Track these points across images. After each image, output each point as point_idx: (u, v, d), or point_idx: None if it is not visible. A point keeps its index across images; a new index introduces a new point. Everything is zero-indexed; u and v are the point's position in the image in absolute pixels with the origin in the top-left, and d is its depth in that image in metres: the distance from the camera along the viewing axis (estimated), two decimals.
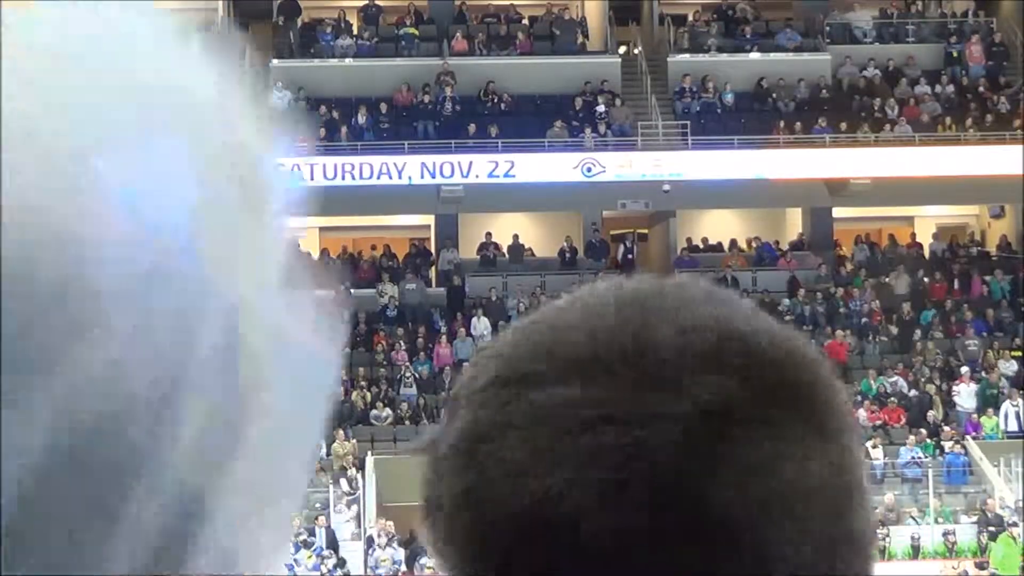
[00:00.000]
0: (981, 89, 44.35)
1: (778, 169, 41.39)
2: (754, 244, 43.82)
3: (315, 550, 32.36)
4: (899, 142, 42.30)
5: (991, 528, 33.40)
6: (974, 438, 36.62)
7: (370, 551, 32.66)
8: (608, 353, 0.89)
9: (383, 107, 42.85)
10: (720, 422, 0.87)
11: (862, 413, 37.07)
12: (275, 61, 44.14)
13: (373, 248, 43.13)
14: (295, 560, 32.10)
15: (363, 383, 37.70)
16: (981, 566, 32.73)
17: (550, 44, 45.05)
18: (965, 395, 37.54)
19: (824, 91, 43.97)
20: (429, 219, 43.95)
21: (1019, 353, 39.01)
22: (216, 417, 0.79)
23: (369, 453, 35.53)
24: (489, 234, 42.81)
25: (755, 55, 44.89)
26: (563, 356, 0.90)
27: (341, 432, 35.74)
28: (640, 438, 0.86)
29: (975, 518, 34.01)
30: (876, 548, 0.94)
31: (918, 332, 40.07)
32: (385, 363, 38.76)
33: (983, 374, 38.39)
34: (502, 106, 43.14)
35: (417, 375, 38.03)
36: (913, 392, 37.84)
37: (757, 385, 0.89)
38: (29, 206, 0.74)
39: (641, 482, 0.86)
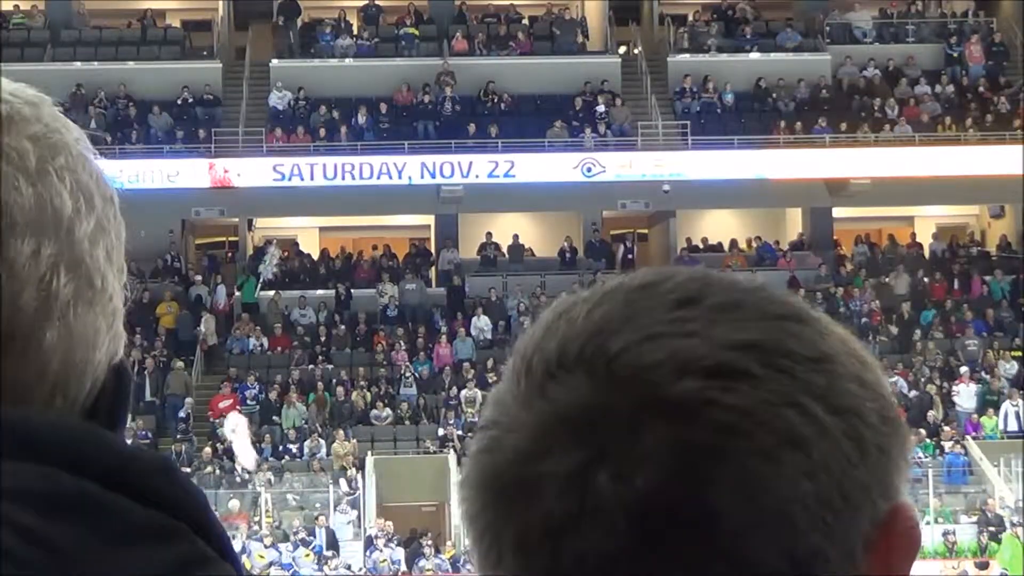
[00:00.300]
0: (981, 89, 44.35)
1: (778, 169, 41.39)
2: (754, 244, 43.81)
3: (314, 549, 32.36)
4: (899, 142, 42.29)
5: (991, 528, 33.39)
6: (974, 438, 36.62)
7: (370, 551, 32.66)
8: (520, 364, 0.97)
9: (383, 107, 42.84)
10: (562, 428, 0.92)
11: None
12: (275, 61, 44.17)
13: (374, 248, 43.12)
14: (293, 559, 32.11)
15: (363, 383, 37.68)
16: (981, 566, 32.72)
17: (550, 44, 45.04)
18: (964, 395, 37.52)
19: (824, 91, 43.97)
20: (429, 219, 43.95)
21: (1019, 353, 38.98)
22: None
23: (369, 453, 35.53)
24: (489, 234, 42.80)
25: (755, 55, 44.89)
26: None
27: (341, 432, 35.74)
28: (496, 438, 0.95)
29: (975, 518, 34.01)
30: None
31: (918, 332, 40.06)
32: (385, 363, 38.74)
33: (983, 374, 38.39)
34: (502, 106, 43.13)
35: (417, 375, 38.02)
36: (913, 392, 37.83)
37: (616, 392, 0.91)
38: None
39: (486, 476, 0.94)
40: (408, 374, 37.76)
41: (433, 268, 42.82)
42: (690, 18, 46.48)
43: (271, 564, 31.82)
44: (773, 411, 0.90)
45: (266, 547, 31.97)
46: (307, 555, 32.24)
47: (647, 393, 0.90)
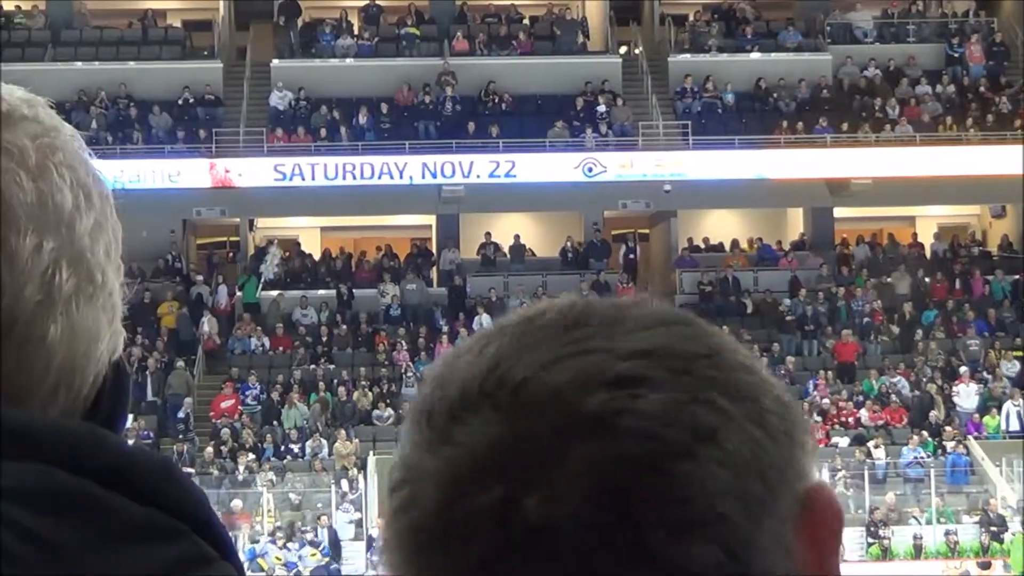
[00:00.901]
0: (982, 89, 44.33)
1: (779, 169, 41.38)
2: (755, 244, 43.80)
3: (323, 551, 32.38)
4: (900, 142, 42.28)
5: (993, 528, 33.40)
6: (976, 438, 36.61)
7: (371, 551, 32.67)
8: (420, 417, 0.97)
9: (384, 107, 42.84)
10: (477, 466, 0.92)
11: (864, 413, 37.08)
12: (276, 61, 44.16)
13: (379, 249, 43.11)
14: (299, 557, 32.15)
15: (365, 383, 37.70)
16: (984, 566, 32.73)
17: (551, 44, 45.04)
18: (964, 395, 37.52)
19: (825, 91, 43.96)
20: (430, 219, 43.95)
21: (1020, 353, 38.96)
22: None
23: (371, 453, 35.52)
24: (488, 234, 42.79)
25: (756, 55, 44.88)
26: None
27: (343, 432, 35.75)
28: (410, 494, 0.95)
29: (977, 518, 34.01)
30: None
31: (920, 332, 40.05)
32: (387, 363, 38.76)
33: (985, 374, 38.38)
34: (503, 106, 43.13)
35: (419, 375, 38.00)
36: (915, 392, 37.83)
37: (527, 420, 0.92)
38: None
39: (407, 533, 0.95)
40: (410, 374, 37.76)
41: (434, 268, 42.83)
42: (691, 18, 46.46)
43: (286, 564, 31.94)
44: (681, 409, 0.92)
45: (280, 548, 32.05)
46: (313, 554, 32.29)
47: (558, 414, 0.91)
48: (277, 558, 31.79)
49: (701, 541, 0.90)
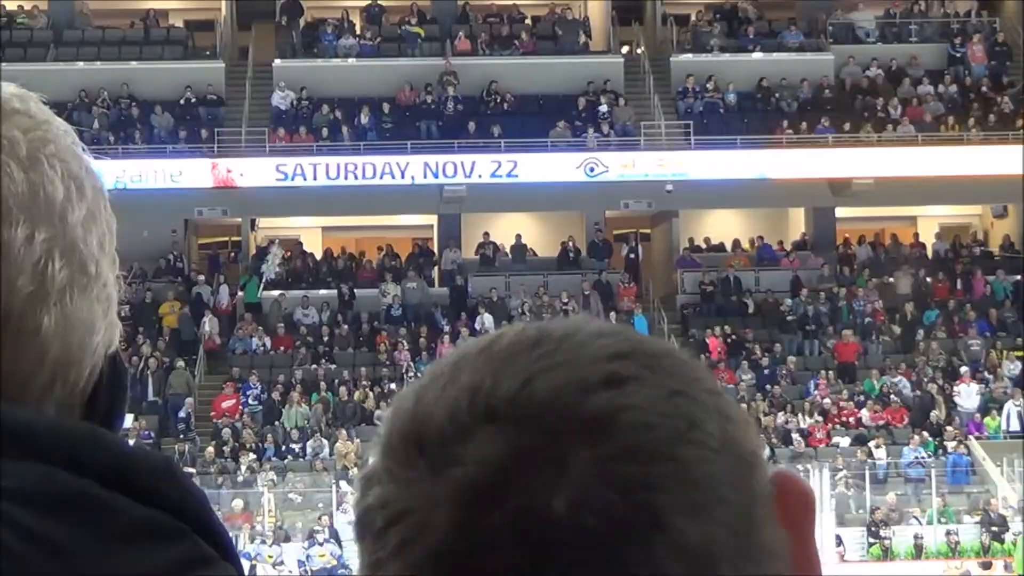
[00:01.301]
0: (984, 89, 44.31)
1: (781, 169, 41.37)
2: (757, 244, 43.78)
3: (337, 557, 32.34)
4: (902, 142, 42.27)
5: (994, 528, 33.39)
6: (977, 438, 36.60)
7: None
8: (408, 449, 0.96)
9: (386, 107, 42.83)
10: (489, 482, 0.92)
11: (865, 413, 37.07)
12: (278, 61, 44.17)
13: (380, 249, 43.09)
14: (308, 555, 32.16)
15: (366, 383, 37.70)
16: (985, 566, 32.73)
17: (553, 44, 45.03)
18: (966, 395, 37.50)
19: (827, 91, 43.95)
20: (432, 219, 43.94)
21: (1022, 353, 38.96)
22: None
23: (372, 453, 35.48)
24: (487, 234, 42.76)
25: (758, 55, 44.86)
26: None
27: (344, 432, 35.75)
28: (414, 525, 0.93)
29: (978, 518, 34.01)
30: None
31: (921, 332, 40.03)
32: (388, 363, 38.75)
33: (986, 374, 38.36)
34: (505, 106, 43.12)
35: (420, 375, 37.89)
36: (916, 392, 37.82)
37: (529, 431, 0.93)
38: None
39: (419, 564, 0.93)
40: (411, 374, 37.75)
41: (436, 268, 42.82)
42: (693, 18, 46.46)
43: (280, 563, 31.94)
44: (669, 401, 0.95)
45: (269, 545, 32.04)
46: (321, 555, 32.27)
47: (560, 419, 0.93)
48: (269, 556, 31.75)
49: (712, 522, 0.92)
